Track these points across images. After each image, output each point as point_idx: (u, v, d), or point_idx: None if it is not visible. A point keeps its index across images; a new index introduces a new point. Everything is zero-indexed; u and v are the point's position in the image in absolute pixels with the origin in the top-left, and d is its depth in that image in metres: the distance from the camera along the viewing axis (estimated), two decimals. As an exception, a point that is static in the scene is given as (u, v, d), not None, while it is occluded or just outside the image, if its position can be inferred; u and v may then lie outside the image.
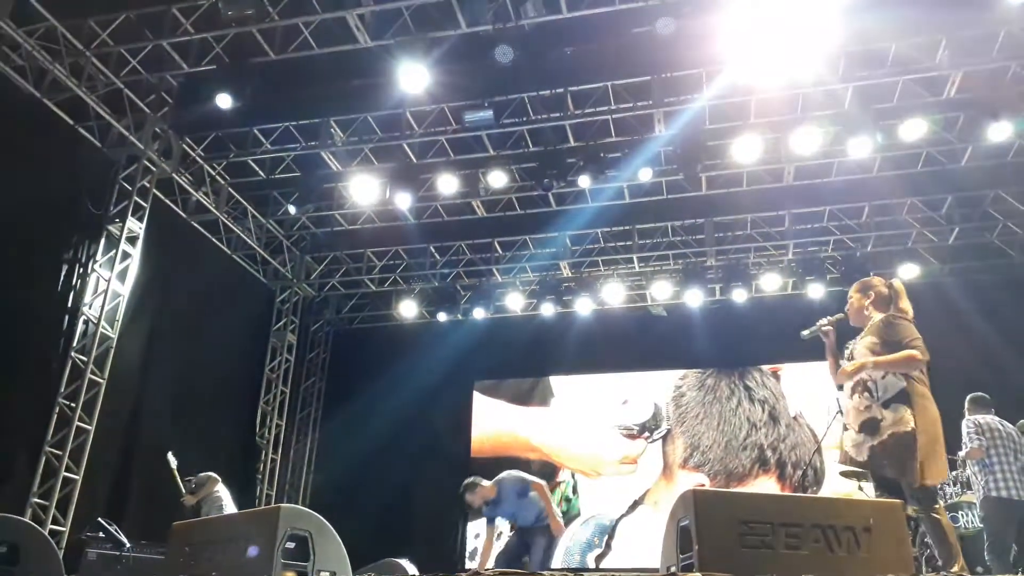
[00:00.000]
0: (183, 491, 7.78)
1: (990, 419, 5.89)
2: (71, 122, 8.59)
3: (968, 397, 6.07)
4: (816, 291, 11.18)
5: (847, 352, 4.52)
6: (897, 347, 4.23)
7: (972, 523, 6.58)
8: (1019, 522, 5.61)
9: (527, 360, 12.52)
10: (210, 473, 7.99)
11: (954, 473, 6.84)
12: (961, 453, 5.90)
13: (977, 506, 6.03)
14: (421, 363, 12.14)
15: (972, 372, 7.78)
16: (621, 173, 9.78)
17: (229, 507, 7.74)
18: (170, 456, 7.89)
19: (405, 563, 6.96)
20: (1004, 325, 10.18)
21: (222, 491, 7.90)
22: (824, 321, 4.64)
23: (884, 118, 8.84)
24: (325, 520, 4.31)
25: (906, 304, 4.45)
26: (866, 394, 4.30)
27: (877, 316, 4.44)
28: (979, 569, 5.80)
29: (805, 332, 4.75)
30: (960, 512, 6.70)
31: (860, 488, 8.33)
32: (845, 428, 7.71)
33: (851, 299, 4.64)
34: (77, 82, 8.39)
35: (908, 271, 11.10)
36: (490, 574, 2.48)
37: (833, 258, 11.44)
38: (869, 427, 4.24)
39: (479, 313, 12.19)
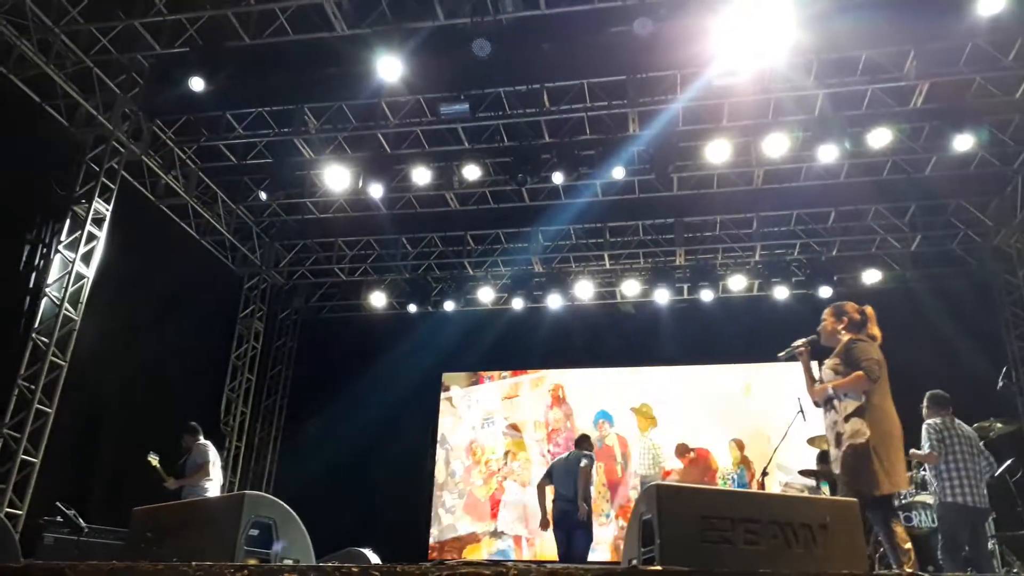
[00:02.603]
0: (165, 477, 7.60)
1: (949, 422, 5.99)
2: (37, 100, 8.40)
3: (927, 395, 6.19)
4: (781, 293, 11.38)
5: (819, 372, 4.72)
6: (856, 368, 4.48)
7: (925, 523, 6.74)
8: (972, 525, 5.77)
9: (496, 353, 12.55)
10: (214, 459, 7.71)
11: (909, 473, 6.97)
12: (915, 450, 5.99)
13: (934, 508, 6.18)
14: (390, 354, 12.13)
15: (932, 374, 7.95)
16: (594, 171, 9.83)
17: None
18: (150, 458, 7.59)
19: (369, 553, 6.95)
20: (963, 330, 10.45)
21: (213, 490, 7.71)
22: (799, 343, 4.90)
23: (853, 125, 9.00)
24: (289, 508, 4.31)
25: (875, 330, 4.69)
26: (833, 411, 4.58)
27: (846, 339, 4.65)
28: (931, 568, 5.94)
29: (781, 353, 5.02)
30: (914, 512, 6.84)
31: (817, 487, 8.50)
32: (810, 441, 7.85)
33: (825, 321, 4.86)
34: (45, 59, 8.20)
35: (871, 276, 11.35)
36: (454, 563, 2.50)
37: (799, 261, 11.63)
38: (836, 441, 4.51)
39: (449, 305, 12.20)
